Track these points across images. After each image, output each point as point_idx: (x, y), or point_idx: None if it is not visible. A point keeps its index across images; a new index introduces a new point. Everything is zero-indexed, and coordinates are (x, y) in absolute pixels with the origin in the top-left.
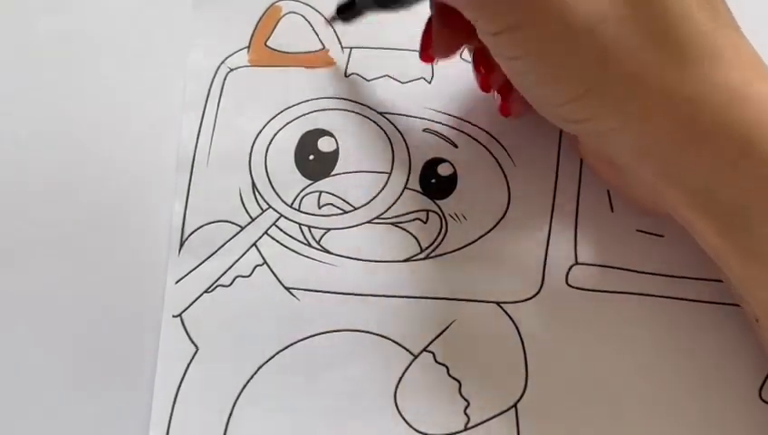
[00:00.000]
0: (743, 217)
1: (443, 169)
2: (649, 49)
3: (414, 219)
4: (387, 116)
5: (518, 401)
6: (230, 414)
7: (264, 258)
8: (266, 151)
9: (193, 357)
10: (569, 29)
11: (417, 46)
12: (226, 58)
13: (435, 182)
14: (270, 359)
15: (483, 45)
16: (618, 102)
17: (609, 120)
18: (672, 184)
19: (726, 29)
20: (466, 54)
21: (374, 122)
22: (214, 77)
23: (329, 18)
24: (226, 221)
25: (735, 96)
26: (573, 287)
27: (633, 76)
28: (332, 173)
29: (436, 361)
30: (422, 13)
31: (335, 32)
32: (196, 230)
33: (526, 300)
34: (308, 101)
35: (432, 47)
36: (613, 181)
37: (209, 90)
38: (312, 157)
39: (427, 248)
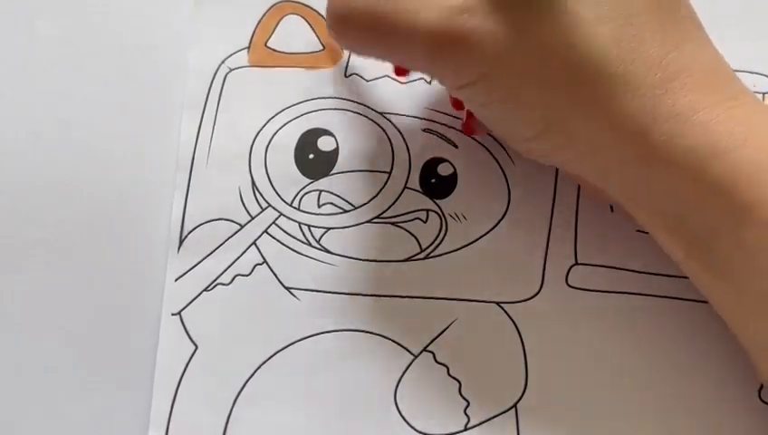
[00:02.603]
0: (708, 239)
1: (443, 169)
2: (593, 90)
3: (414, 219)
4: (387, 116)
5: (518, 401)
6: (229, 413)
7: (263, 257)
8: (266, 150)
9: (192, 356)
10: (514, 77)
11: None
12: (227, 58)
13: (435, 182)
14: (270, 358)
15: None
16: (570, 138)
17: (567, 154)
18: (636, 207)
19: (682, 48)
20: None
21: (374, 122)
22: (214, 77)
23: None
24: (226, 219)
25: (683, 124)
26: (573, 287)
27: (578, 114)
28: (332, 172)
29: (436, 361)
30: None
31: None
32: (195, 228)
33: (526, 300)
34: (308, 100)
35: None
36: (593, 196)
37: (209, 89)
38: (311, 156)
39: (427, 248)
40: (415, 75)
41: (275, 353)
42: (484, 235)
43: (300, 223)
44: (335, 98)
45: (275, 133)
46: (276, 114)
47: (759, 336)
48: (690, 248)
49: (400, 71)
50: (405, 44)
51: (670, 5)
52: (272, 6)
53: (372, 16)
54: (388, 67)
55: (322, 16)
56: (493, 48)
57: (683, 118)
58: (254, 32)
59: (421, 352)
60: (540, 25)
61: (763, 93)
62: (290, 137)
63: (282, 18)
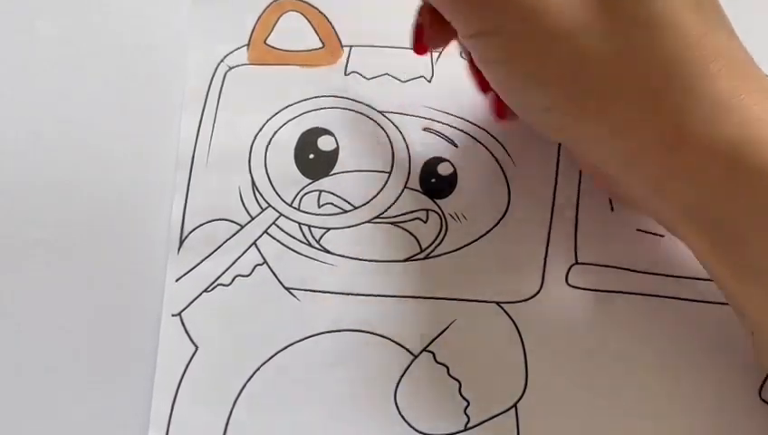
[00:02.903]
0: (734, 233)
1: (443, 169)
2: (629, 59)
3: (414, 219)
4: (387, 115)
5: (518, 401)
6: (230, 413)
7: (263, 257)
8: (266, 150)
9: (192, 356)
10: (542, 34)
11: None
12: (226, 56)
13: (435, 182)
14: (270, 359)
15: None
16: (599, 112)
17: (591, 129)
18: (661, 198)
19: (717, 33)
20: None
21: (374, 121)
22: (213, 75)
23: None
24: (226, 220)
25: (721, 108)
26: (573, 287)
27: (615, 85)
28: (332, 172)
29: (436, 361)
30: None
31: (335, 30)
32: (195, 229)
33: (526, 300)
34: (308, 99)
35: (424, 39)
36: (608, 189)
37: (209, 88)
38: (311, 156)
39: (427, 248)
40: (415, 74)
41: (275, 354)
42: (484, 235)
43: (300, 223)
44: (335, 96)
45: (275, 132)
46: (276, 113)
47: None
48: (714, 241)
49: (420, 47)
50: None
51: None
52: (271, 3)
53: None
54: (388, 66)
55: (322, 13)
56: None
57: (721, 102)
58: (254, 29)
59: (421, 352)
60: None
61: None
62: (290, 136)
63: (281, 15)
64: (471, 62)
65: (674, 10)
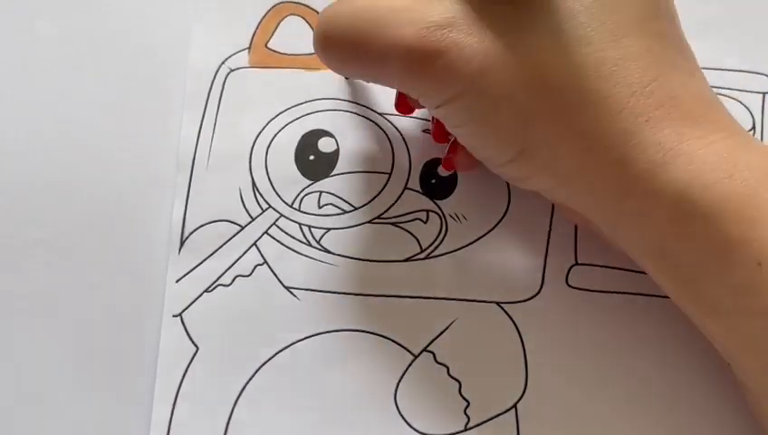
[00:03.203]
0: (689, 273)
1: (443, 170)
2: (571, 114)
3: (414, 219)
4: (387, 116)
5: (518, 401)
6: (230, 414)
7: (264, 258)
8: (267, 152)
9: (193, 357)
10: (488, 97)
11: None
12: (227, 59)
13: (435, 182)
14: (270, 359)
15: None
16: (547, 164)
17: (545, 180)
18: (621, 239)
19: (669, 77)
20: None
21: (374, 123)
22: (214, 78)
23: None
24: (227, 220)
25: (667, 154)
26: (573, 287)
27: (555, 139)
28: (332, 173)
29: (436, 361)
30: None
31: None
32: (196, 229)
33: (526, 300)
34: (308, 101)
35: (407, 104)
36: (580, 225)
37: (210, 90)
38: (312, 157)
39: (427, 248)
40: None
41: (276, 354)
42: (484, 235)
43: (300, 224)
44: (336, 99)
45: (276, 135)
46: (277, 115)
47: (750, 373)
48: (677, 283)
49: (404, 107)
50: (382, 60)
51: (658, 30)
52: (272, 7)
53: (353, 33)
54: None
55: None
56: (471, 65)
57: (666, 147)
58: (255, 32)
59: (421, 353)
60: (521, 42)
61: (764, 93)
62: (290, 138)
63: (282, 19)
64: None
65: (617, 60)
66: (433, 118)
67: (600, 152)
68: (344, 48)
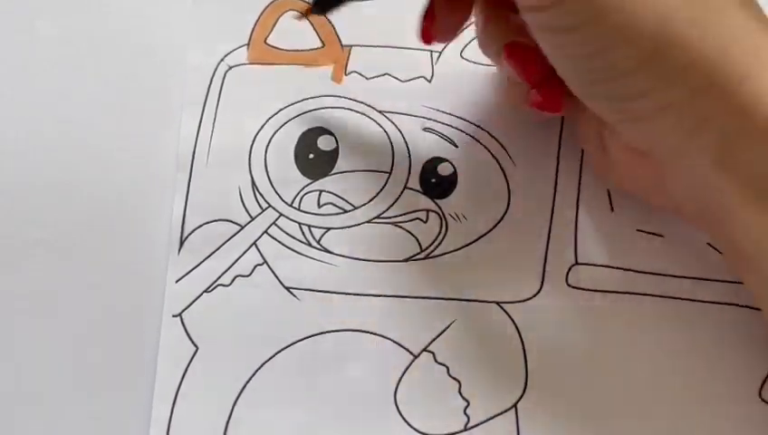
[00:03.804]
0: None
1: (443, 169)
2: (707, 20)
3: (414, 219)
4: (387, 115)
5: (518, 401)
6: (230, 414)
7: (263, 258)
8: (266, 150)
9: (193, 357)
10: None
11: (418, 44)
12: (226, 56)
13: (435, 182)
14: (270, 359)
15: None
16: (682, 70)
17: (671, 92)
18: (720, 169)
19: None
20: (467, 53)
21: (374, 121)
22: (213, 75)
23: (301, 13)
24: (226, 220)
25: None
26: (573, 287)
27: (692, 45)
28: (332, 172)
29: (436, 361)
30: (419, 8)
31: (335, 30)
32: (195, 229)
33: (526, 300)
34: (307, 99)
35: (435, 25)
36: (641, 180)
37: (209, 88)
38: (311, 155)
39: (427, 248)
40: (415, 74)
41: (275, 354)
42: (484, 235)
43: (300, 223)
44: (335, 96)
45: (275, 132)
46: (276, 112)
47: None
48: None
49: (428, 34)
50: None
51: None
52: (271, 3)
53: None
54: (388, 65)
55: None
56: None
57: None
58: (254, 28)
59: (421, 353)
60: None
61: None
62: (290, 136)
63: (281, 15)
64: (516, 54)
65: None
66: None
67: (731, 66)
68: None
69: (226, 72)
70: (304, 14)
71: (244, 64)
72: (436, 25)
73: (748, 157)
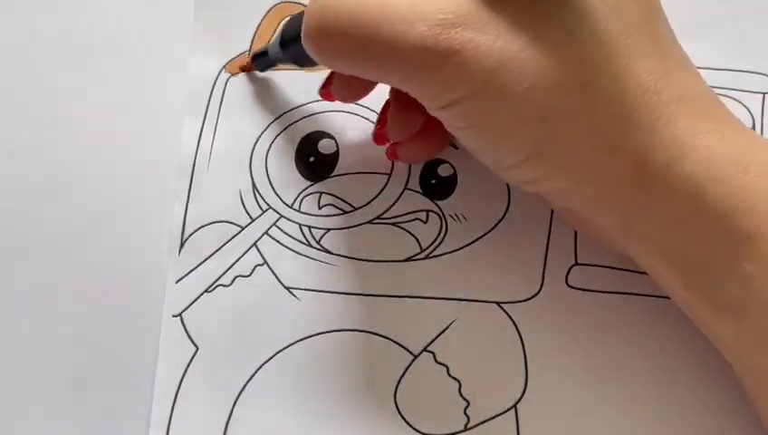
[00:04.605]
0: (704, 270)
1: (443, 170)
2: (589, 111)
3: (414, 219)
4: None
5: (518, 401)
6: (230, 414)
7: (264, 258)
8: (267, 153)
9: (193, 357)
10: (504, 96)
11: None
12: (228, 62)
13: (435, 183)
14: (270, 359)
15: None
16: (562, 163)
17: (557, 181)
18: (629, 239)
19: (674, 75)
20: None
21: (374, 124)
22: (215, 80)
23: (241, 68)
24: (227, 221)
25: (683, 148)
26: (573, 287)
27: (573, 137)
28: (332, 175)
29: (436, 361)
30: None
31: None
32: (196, 230)
33: (526, 300)
34: (308, 103)
35: (388, 129)
36: (580, 228)
37: (211, 91)
38: (312, 159)
39: (427, 248)
40: None
41: (275, 354)
42: (484, 235)
43: (300, 224)
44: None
45: (276, 136)
46: (277, 117)
47: (760, 372)
48: (687, 281)
49: (327, 94)
50: (388, 58)
51: (658, 30)
52: (272, 8)
53: (356, 27)
54: None
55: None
56: (483, 64)
57: (681, 142)
58: (255, 34)
59: (421, 353)
60: (537, 40)
61: (764, 93)
62: (290, 140)
63: (282, 20)
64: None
65: (629, 58)
66: (381, 118)
67: (617, 149)
68: (343, 42)
69: (228, 78)
70: (244, 70)
71: (246, 70)
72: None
73: (646, 229)
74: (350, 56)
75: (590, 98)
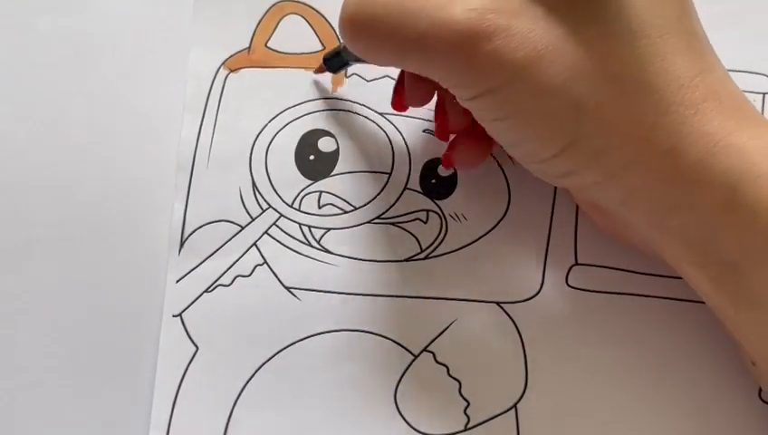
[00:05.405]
0: (733, 266)
1: (443, 170)
2: (623, 104)
3: (414, 219)
4: (387, 116)
5: (518, 401)
6: (230, 414)
7: (264, 258)
8: (267, 151)
9: (193, 357)
10: (536, 89)
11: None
12: (227, 59)
13: (435, 182)
14: (270, 359)
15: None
16: (597, 155)
17: (592, 174)
18: (663, 234)
19: (708, 74)
20: None
21: (374, 123)
22: (214, 78)
23: (315, 71)
24: (227, 221)
25: (717, 144)
26: (573, 287)
27: (609, 128)
28: (332, 173)
29: (436, 361)
30: None
31: (335, 32)
32: (196, 230)
33: (526, 300)
34: (308, 101)
35: (405, 97)
36: (608, 228)
37: (210, 90)
38: (312, 157)
39: (427, 248)
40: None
41: (276, 354)
42: (484, 235)
43: (300, 224)
44: (336, 98)
45: (276, 134)
46: (277, 115)
47: None
48: (716, 276)
49: (400, 104)
50: (422, 44)
51: (693, 29)
52: (272, 6)
53: (390, 14)
54: (388, 68)
55: (323, 16)
56: (518, 53)
57: (716, 139)
58: (255, 32)
59: (421, 353)
60: (577, 32)
61: (764, 93)
62: (290, 138)
63: (282, 18)
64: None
65: (665, 54)
66: (438, 112)
67: (653, 142)
68: (379, 31)
69: (227, 75)
70: (318, 71)
71: (245, 68)
72: (408, 98)
73: (679, 224)
74: (386, 46)
75: (626, 91)
